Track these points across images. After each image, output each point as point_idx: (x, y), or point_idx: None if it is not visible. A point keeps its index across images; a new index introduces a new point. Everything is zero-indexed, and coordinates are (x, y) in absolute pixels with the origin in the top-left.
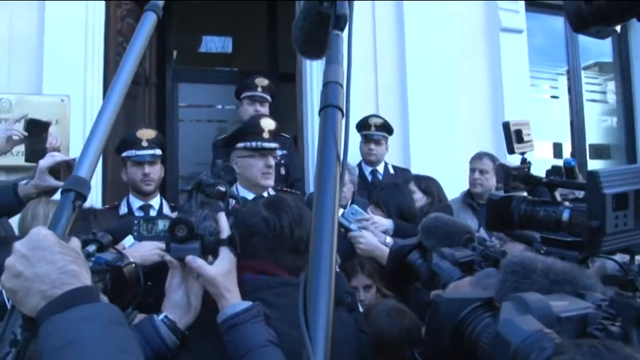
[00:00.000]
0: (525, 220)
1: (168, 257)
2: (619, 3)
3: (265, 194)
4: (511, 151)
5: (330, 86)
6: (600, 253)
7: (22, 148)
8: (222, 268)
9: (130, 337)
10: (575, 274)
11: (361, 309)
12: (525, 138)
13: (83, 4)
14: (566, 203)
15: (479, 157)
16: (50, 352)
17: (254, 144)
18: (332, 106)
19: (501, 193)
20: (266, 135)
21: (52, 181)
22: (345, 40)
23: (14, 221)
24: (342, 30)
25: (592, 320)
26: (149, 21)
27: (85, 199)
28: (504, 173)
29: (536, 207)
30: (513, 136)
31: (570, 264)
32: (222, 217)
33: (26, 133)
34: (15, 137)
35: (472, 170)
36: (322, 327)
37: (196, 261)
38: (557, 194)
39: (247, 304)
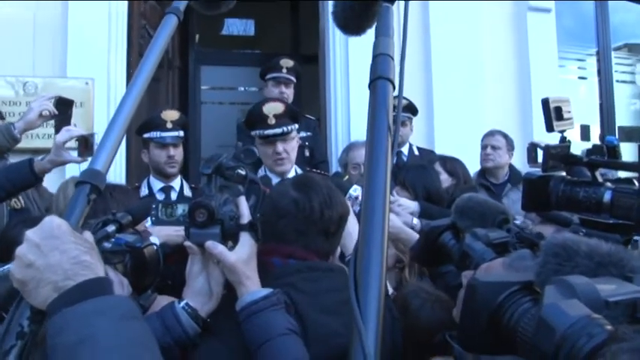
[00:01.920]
0: (564, 201)
1: (187, 243)
2: None
3: (292, 174)
4: (550, 128)
5: (380, 58)
6: None
7: (48, 130)
8: (242, 255)
9: (146, 332)
10: (621, 255)
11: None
12: (565, 115)
13: None
14: (608, 184)
15: (491, 133)
16: (62, 349)
17: (259, 132)
18: (382, 77)
19: (538, 172)
20: (271, 121)
21: (68, 157)
22: (396, 12)
23: None
24: (392, 2)
25: None
26: (170, 24)
27: (100, 192)
28: (544, 152)
29: (575, 187)
30: (553, 113)
31: (616, 245)
32: (243, 202)
33: (56, 111)
34: (45, 113)
35: (484, 147)
36: (374, 308)
37: (217, 247)
38: (598, 175)
39: (267, 291)
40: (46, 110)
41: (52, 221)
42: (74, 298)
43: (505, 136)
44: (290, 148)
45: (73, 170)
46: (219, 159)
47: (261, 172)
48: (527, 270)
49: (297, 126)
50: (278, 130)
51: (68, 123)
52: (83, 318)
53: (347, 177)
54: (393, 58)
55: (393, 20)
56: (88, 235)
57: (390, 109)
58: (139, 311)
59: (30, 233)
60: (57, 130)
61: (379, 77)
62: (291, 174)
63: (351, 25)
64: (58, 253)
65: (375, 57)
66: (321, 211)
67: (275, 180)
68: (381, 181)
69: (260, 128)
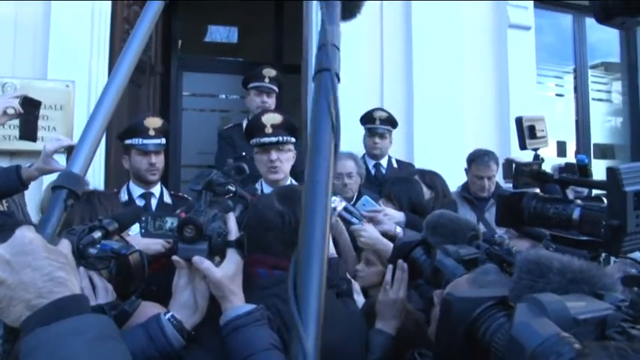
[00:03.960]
0: (535, 218)
1: (175, 257)
2: None
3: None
4: (522, 146)
5: (326, 49)
6: (621, 253)
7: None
8: (228, 271)
9: (122, 352)
10: (593, 273)
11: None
12: (539, 134)
13: None
14: (578, 201)
15: (485, 163)
16: None
17: (255, 140)
18: (326, 69)
19: (511, 189)
20: (268, 130)
21: (56, 165)
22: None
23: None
24: None
25: (611, 322)
26: (154, 7)
27: (78, 197)
28: (515, 170)
29: (546, 204)
30: (526, 132)
31: (588, 262)
32: (232, 218)
33: (21, 110)
34: (10, 111)
35: (479, 177)
36: (313, 308)
37: (203, 262)
38: (569, 192)
39: (250, 306)
40: (11, 108)
41: (24, 236)
42: (48, 316)
43: (496, 160)
44: (284, 158)
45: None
46: (209, 175)
47: (257, 187)
48: (491, 284)
49: (294, 140)
50: (273, 139)
51: (35, 124)
52: (57, 338)
53: None
54: (339, 49)
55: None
56: (64, 244)
57: (333, 102)
58: (115, 329)
59: (0, 249)
60: (20, 131)
61: (323, 69)
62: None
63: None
64: (30, 270)
65: (320, 47)
66: None
67: (268, 189)
68: (322, 180)
69: (257, 136)
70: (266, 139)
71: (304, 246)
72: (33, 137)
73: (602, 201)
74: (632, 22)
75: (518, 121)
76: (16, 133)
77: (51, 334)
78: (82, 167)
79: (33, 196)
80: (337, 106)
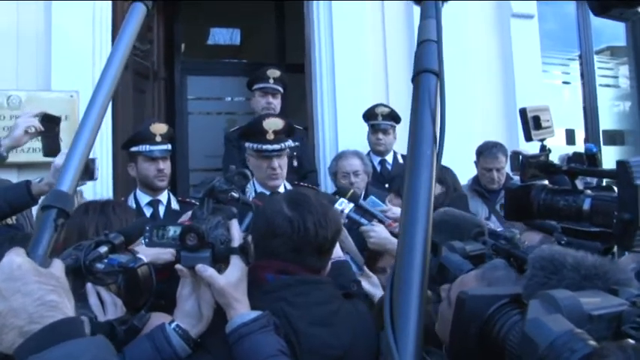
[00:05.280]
0: (545, 210)
1: (178, 266)
2: None
3: (281, 189)
4: (528, 138)
5: (426, 46)
6: (633, 248)
7: (33, 144)
8: (231, 278)
9: None
10: (607, 268)
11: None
12: (544, 124)
13: (90, 2)
14: (588, 192)
15: (493, 155)
16: None
17: (256, 146)
18: (427, 71)
19: (519, 182)
20: (270, 136)
21: None
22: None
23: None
24: None
25: (627, 318)
26: (137, 13)
27: (68, 215)
28: (522, 162)
29: (555, 196)
30: (531, 123)
31: (602, 258)
32: (235, 225)
33: (42, 128)
34: (31, 130)
35: (488, 170)
36: (412, 331)
37: (206, 270)
38: (578, 182)
39: (256, 313)
40: (31, 127)
41: (12, 261)
42: (41, 343)
43: (504, 151)
44: (284, 163)
45: None
46: (211, 182)
47: (250, 187)
48: (499, 280)
49: (291, 142)
50: (277, 147)
51: (56, 140)
52: None
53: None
54: (437, 43)
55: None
56: (57, 266)
57: (435, 111)
58: (111, 351)
59: None
60: (44, 148)
61: (423, 70)
62: (281, 188)
63: None
64: (20, 295)
65: (419, 44)
66: (315, 231)
67: (266, 193)
68: (423, 199)
69: (258, 142)
70: (269, 147)
71: (403, 268)
72: (57, 153)
73: (613, 190)
74: (629, 12)
75: (522, 112)
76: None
77: None
78: (71, 185)
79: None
80: (443, 111)
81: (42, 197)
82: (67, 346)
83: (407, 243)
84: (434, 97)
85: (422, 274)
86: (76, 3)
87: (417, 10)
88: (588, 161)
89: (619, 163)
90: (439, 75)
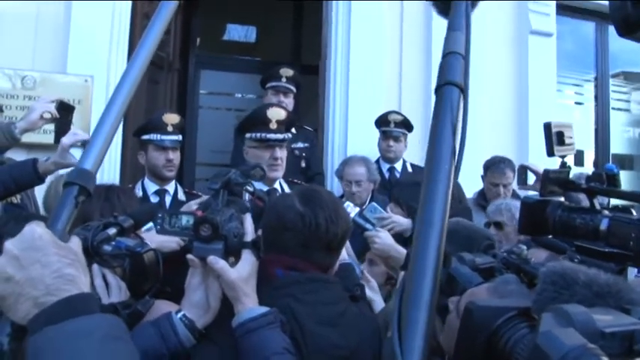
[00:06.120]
0: (560, 227)
1: (190, 256)
2: None
3: (277, 186)
4: (551, 153)
5: (450, 59)
6: None
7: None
8: (243, 272)
9: (131, 352)
10: (620, 287)
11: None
12: (567, 141)
13: None
14: (605, 212)
15: (501, 170)
16: None
17: (259, 135)
18: (450, 83)
19: (536, 196)
20: (273, 126)
21: (72, 159)
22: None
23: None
24: None
25: (639, 337)
26: (168, 8)
27: (89, 194)
28: (543, 177)
29: (572, 214)
30: (554, 138)
31: (614, 277)
32: (248, 219)
33: (57, 114)
34: (47, 115)
35: (495, 185)
36: (419, 346)
37: (218, 262)
38: (597, 202)
39: (264, 309)
40: (47, 113)
41: (33, 231)
42: (56, 315)
43: (512, 168)
44: (284, 156)
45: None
46: (227, 174)
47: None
48: (512, 294)
49: (291, 136)
50: (280, 136)
51: (69, 128)
52: (65, 339)
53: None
54: (464, 57)
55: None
56: (75, 241)
57: (457, 124)
58: (124, 330)
59: (9, 244)
60: (57, 135)
61: (447, 83)
62: (277, 185)
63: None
64: (39, 266)
65: (444, 56)
66: (326, 227)
67: (262, 188)
68: (439, 208)
69: (260, 131)
70: (272, 136)
71: (414, 284)
72: None
73: (631, 212)
74: None
75: (547, 126)
76: None
77: (58, 333)
78: (94, 164)
79: (41, 190)
80: (464, 125)
81: (48, 176)
82: (82, 320)
83: (419, 258)
84: (456, 111)
85: (432, 291)
86: None
87: (436, 21)
88: (608, 181)
89: None
90: (464, 89)
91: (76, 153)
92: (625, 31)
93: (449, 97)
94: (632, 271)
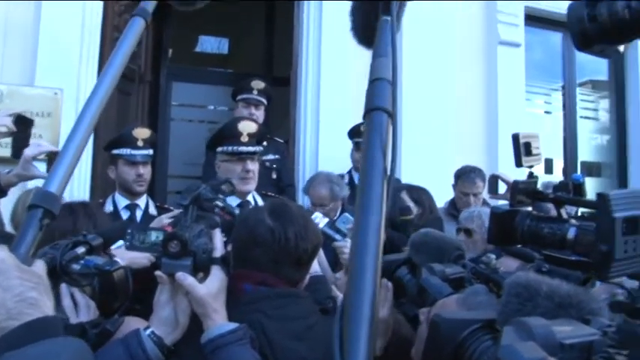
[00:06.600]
0: (529, 236)
1: (158, 272)
2: (622, 22)
3: (250, 198)
4: (519, 164)
5: (378, 84)
6: (609, 279)
7: (8, 139)
8: (211, 288)
9: None
10: (581, 297)
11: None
12: (534, 151)
13: (81, 1)
14: (573, 221)
15: (471, 180)
16: None
17: (230, 148)
18: (379, 109)
19: (505, 206)
20: (244, 139)
21: (36, 171)
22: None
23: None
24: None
25: (597, 348)
26: (136, 27)
27: (54, 217)
28: (512, 187)
29: (540, 223)
30: (522, 149)
31: (576, 287)
32: (218, 234)
33: (14, 128)
34: (3, 129)
35: (465, 194)
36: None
37: (187, 279)
38: (564, 211)
39: (233, 325)
40: (4, 127)
41: None
42: (18, 340)
43: (482, 177)
44: (256, 169)
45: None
46: (197, 189)
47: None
48: (480, 305)
49: (262, 149)
50: (251, 149)
51: (26, 143)
52: None
53: None
54: (391, 83)
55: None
56: (39, 265)
57: (386, 148)
58: (88, 352)
59: None
60: (14, 149)
61: (375, 108)
62: (250, 197)
63: (364, 38)
64: (0, 290)
65: (371, 82)
66: (296, 242)
67: (234, 201)
68: (372, 236)
69: (232, 144)
70: (244, 149)
71: (353, 305)
72: None
73: None
74: (610, 50)
75: (515, 137)
76: None
77: (20, 359)
78: (59, 187)
79: (6, 204)
80: (394, 149)
81: (10, 189)
82: (45, 344)
83: (356, 284)
84: (385, 135)
85: (370, 320)
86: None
87: (406, 26)
88: (574, 191)
89: (599, 195)
90: (391, 114)
91: (40, 166)
92: (582, 45)
93: (378, 122)
94: None
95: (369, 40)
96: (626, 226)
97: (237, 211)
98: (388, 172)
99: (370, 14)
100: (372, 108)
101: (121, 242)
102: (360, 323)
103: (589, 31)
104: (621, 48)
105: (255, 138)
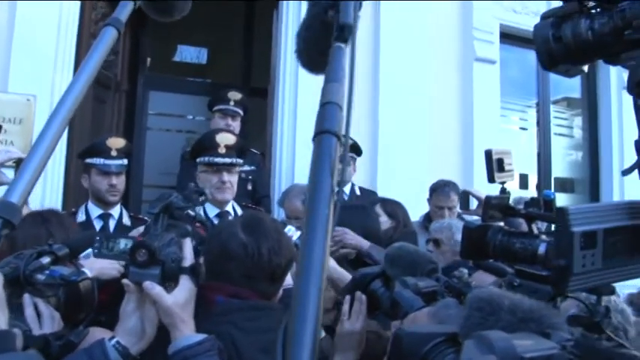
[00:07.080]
0: (500, 251)
1: (125, 280)
2: (586, 44)
3: (229, 208)
4: (491, 179)
5: (328, 108)
6: (567, 293)
7: None
8: (179, 298)
9: None
10: (542, 312)
11: None
12: (506, 167)
13: (57, 4)
14: (543, 237)
15: (446, 193)
16: None
17: (207, 159)
18: (328, 132)
19: (477, 221)
20: (222, 150)
21: (4, 178)
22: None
23: None
24: (345, 42)
25: None
26: (108, 37)
27: (14, 227)
28: (484, 202)
29: (512, 238)
30: (495, 165)
31: (538, 302)
32: (188, 244)
33: None
34: None
35: (440, 208)
36: None
37: (154, 288)
38: (535, 227)
39: (201, 336)
40: None
41: None
42: None
43: (457, 191)
44: (234, 180)
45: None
46: (168, 198)
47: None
48: (451, 318)
49: (242, 161)
50: (227, 160)
51: None
52: None
53: None
54: (342, 108)
55: (345, 63)
56: None
57: (333, 169)
58: None
59: None
60: None
61: (325, 131)
62: (229, 207)
63: (312, 63)
64: None
65: (322, 105)
66: (269, 257)
67: (213, 210)
68: (317, 256)
69: (209, 155)
70: (220, 160)
71: (296, 324)
72: None
73: None
74: (575, 69)
75: (488, 153)
76: None
77: None
78: (21, 197)
79: None
80: (343, 175)
81: None
82: None
83: (300, 304)
84: (333, 157)
85: (313, 344)
86: (42, 5)
87: (383, 41)
88: (545, 207)
89: (558, 209)
90: (340, 137)
91: (8, 172)
92: (548, 64)
93: (327, 145)
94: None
95: (314, 65)
96: (584, 241)
97: (209, 221)
98: (335, 194)
99: (320, 41)
100: (321, 131)
101: (89, 251)
102: (301, 352)
103: (554, 51)
104: (585, 68)
105: (234, 150)
